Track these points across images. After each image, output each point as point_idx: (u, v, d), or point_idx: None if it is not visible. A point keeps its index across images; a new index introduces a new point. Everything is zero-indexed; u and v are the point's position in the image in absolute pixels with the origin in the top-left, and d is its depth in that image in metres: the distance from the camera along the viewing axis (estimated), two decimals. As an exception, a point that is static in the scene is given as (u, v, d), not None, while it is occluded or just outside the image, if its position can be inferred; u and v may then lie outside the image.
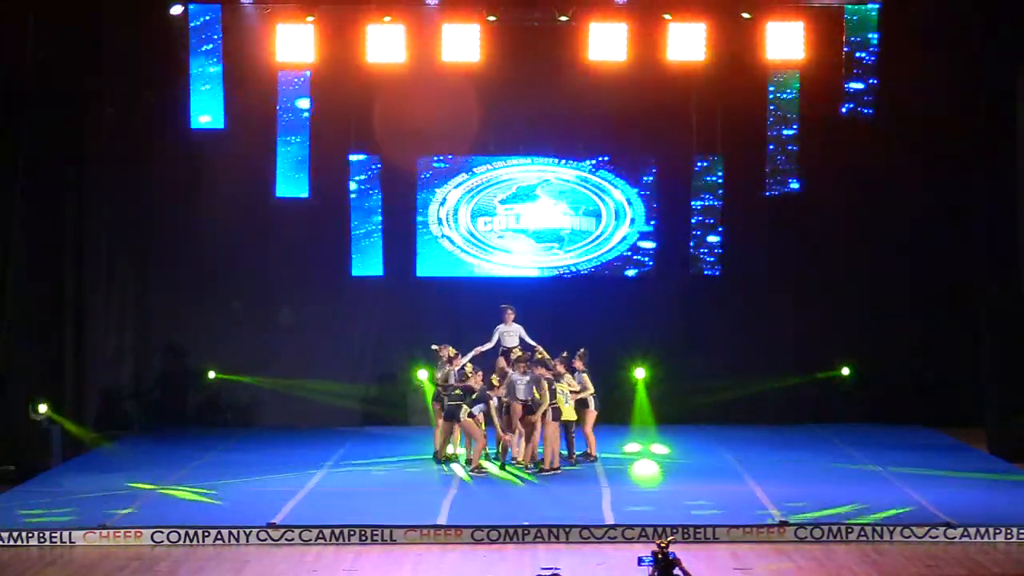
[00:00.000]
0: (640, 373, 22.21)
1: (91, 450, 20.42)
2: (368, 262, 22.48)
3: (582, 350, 18.85)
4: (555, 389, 18.22)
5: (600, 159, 22.68)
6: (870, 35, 21.35)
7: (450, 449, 18.97)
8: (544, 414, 18.08)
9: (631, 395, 22.40)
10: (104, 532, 15.12)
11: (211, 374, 22.46)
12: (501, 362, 19.07)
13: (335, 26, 21.09)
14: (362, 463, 19.13)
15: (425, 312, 22.14)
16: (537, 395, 18.08)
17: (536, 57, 21.79)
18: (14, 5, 19.48)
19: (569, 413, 18.50)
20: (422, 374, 19.61)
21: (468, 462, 18.41)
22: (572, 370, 18.67)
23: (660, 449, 19.96)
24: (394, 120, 22.10)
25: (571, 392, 18.49)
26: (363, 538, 15.04)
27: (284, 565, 14.26)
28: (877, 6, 21.19)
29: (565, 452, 18.67)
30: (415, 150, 22.60)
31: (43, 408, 19.30)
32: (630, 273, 22.68)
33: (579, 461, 18.72)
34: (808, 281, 22.52)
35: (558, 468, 18.06)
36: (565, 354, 18.81)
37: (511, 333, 19.30)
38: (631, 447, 20.06)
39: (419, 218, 22.68)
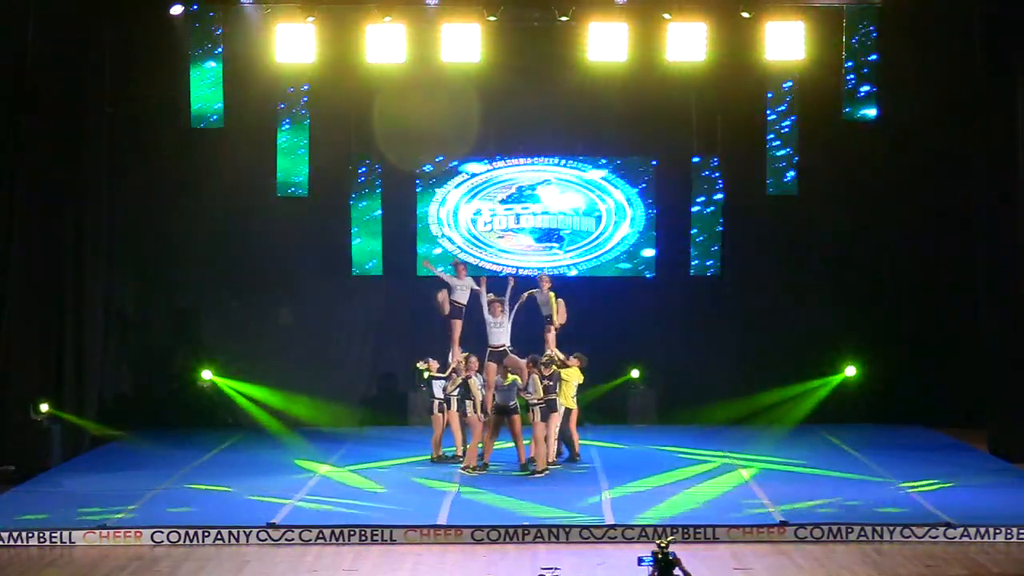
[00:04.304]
0: (636, 374, 22.28)
1: (91, 450, 20.44)
2: (368, 262, 22.48)
3: (577, 354, 18.78)
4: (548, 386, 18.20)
5: (600, 159, 22.69)
6: (870, 35, 21.33)
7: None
8: (532, 413, 18.03)
9: (631, 395, 22.47)
10: (104, 532, 15.11)
11: (207, 374, 22.43)
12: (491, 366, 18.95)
13: (335, 26, 21.07)
14: (362, 463, 19.13)
15: (425, 312, 22.06)
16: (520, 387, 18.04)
17: (536, 57, 21.79)
18: (14, 4, 19.47)
19: (569, 402, 18.46)
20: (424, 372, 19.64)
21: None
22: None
23: (662, 449, 20.02)
24: (394, 120, 22.12)
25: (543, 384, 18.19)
26: (363, 538, 15.03)
27: (284, 565, 14.26)
28: (877, 6, 21.17)
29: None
30: (415, 150, 22.60)
31: (44, 408, 19.32)
32: (630, 273, 22.68)
33: (563, 461, 18.68)
34: (808, 281, 22.52)
35: (547, 470, 18.00)
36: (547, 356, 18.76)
37: (499, 326, 19.08)
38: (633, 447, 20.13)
39: (419, 218, 22.69)
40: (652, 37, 20.98)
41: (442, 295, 19.41)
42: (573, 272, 22.23)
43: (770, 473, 18.13)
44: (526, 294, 19.22)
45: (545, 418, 18.05)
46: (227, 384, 22.33)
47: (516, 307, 19.11)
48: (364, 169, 22.42)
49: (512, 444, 18.38)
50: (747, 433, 21.17)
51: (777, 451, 19.73)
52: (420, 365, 19.18)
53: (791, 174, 21.94)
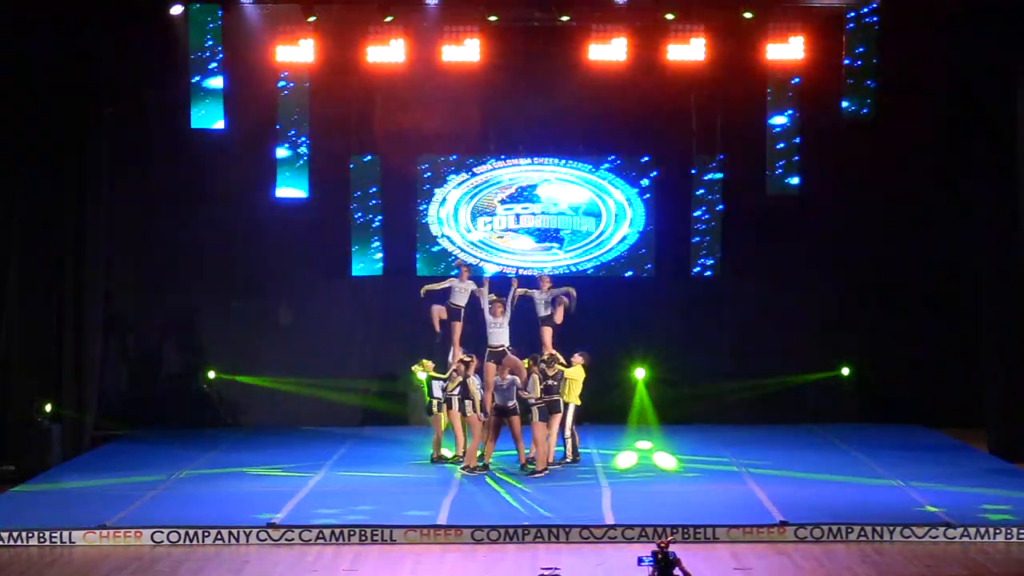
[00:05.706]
0: (640, 373, 22.25)
1: (91, 450, 20.44)
2: (368, 262, 22.47)
3: (581, 352, 18.79)
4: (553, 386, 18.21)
5: (600, 159, 22.69)
6: (870, 35, 21.30)
7: (447, 452, 19.01)
8: (530, 413, 18.01)
9: (631, 395, 22.46)
10: (104, 532, 15.13)
11: (211, 374, 22.54)
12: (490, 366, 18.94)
13: (335, 26, 21.08)
14: (362, 463, 19.12)
15: (425, 312, 22.07)
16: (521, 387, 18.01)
17: (536, 57, 21.78)
18: (15, 5, 19.48)
19: (576, 400, 18.47)
20: (421, 375, 19.60)
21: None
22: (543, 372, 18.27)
23: (662, 453, 20.00)
24: (394, 120, 22.11)
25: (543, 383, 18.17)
26: (363, 538, 15.05)
27: (284, 565, 14.27)
28: (877, 6, 21.15)
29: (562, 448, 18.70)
30: (415, 150, 22.61)
31: (48, 408, 19.34)
32: (630, 273, 22.69)
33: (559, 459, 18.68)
34: (808, 281, 22.52)
35: (546, 470, 17.99)
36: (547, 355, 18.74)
37: (500, 326, 19.04)
38: (636, 448, 20.10)
39: (419, 218, 22.70)
40: (652, 37, 20.98)
41: (436, 309, 19.32)
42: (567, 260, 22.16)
43: (770, 473, 18.11)
44: (521, 290, 19.10)
45: (544, 418, 18.02)
46: (236, 378, 22.43)
47: (512, 304, 19.09)
48: (364, 169, 22.40)
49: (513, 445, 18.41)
50: (747, 432, 21.17)
51: (777, 450, 19.72)
52: (415, 368, 19.14)
53: (791, 174, 21.92)
